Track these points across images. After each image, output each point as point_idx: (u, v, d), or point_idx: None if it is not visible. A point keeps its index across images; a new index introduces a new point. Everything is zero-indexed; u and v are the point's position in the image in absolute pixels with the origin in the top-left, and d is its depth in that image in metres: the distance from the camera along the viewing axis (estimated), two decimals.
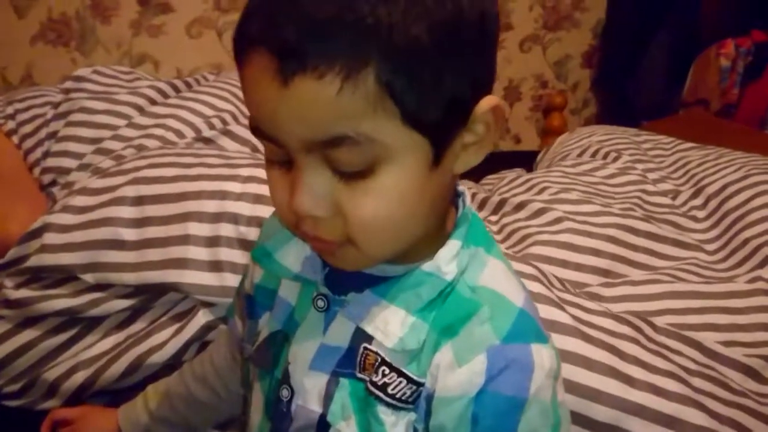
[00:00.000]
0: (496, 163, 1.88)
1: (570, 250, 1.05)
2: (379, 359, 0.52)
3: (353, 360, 0.53)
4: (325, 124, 0.44)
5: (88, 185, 0.96)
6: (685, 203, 1.24)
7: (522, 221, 1.14)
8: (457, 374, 0.50)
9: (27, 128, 1.15)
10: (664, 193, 1.25)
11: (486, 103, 0.48)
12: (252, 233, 0.89)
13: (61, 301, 0.90)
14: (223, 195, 0.92)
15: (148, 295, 0.91)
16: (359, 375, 0.53)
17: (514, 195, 1.25)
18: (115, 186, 0.94)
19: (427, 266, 0.52)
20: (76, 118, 1.12)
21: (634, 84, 2.34)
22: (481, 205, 1.26)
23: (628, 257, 1.07)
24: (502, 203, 1.22)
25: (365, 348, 0.53)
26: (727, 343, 0.91)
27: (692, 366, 0.84)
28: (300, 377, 0.55)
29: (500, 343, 0.50)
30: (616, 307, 0.95)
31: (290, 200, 0.47)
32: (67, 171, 1.07)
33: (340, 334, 0.55)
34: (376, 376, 0.52)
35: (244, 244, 0.89)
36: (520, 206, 1.17)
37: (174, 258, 0.89)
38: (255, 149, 1.14)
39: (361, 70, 0.42)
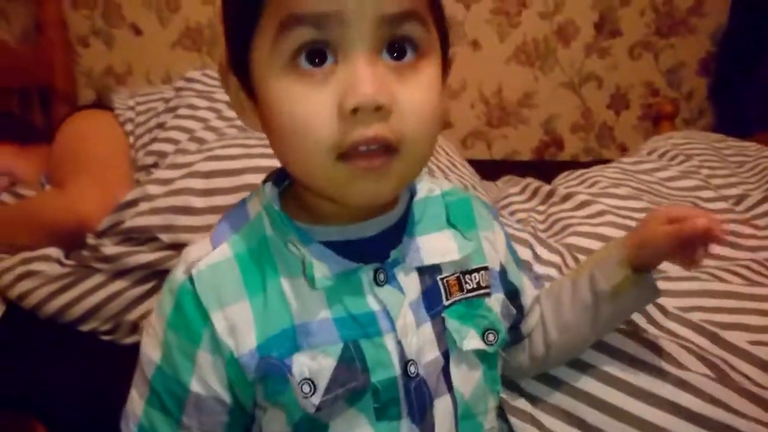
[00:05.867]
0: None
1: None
2: (458, 274, 0.63)
3: (437, 296, 0.61)
4: None
5: (173, 161, 1.14)
6: (748, 209, 1.21)
7: (566, 212, 1.17)
8: (499, 239, 0.71)
9: (141, 118, 1.35)
10: (724, 198, 1.22)
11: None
12: None
13: (144, 255, 1.07)
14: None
15: None
16: (447, 302, 0.61)
17: (565, 187, 1.28)
18: (192, 162, 1.11)
19: (419, 195, 0.65)
20: (182, 113, 1.31)
21: (751, 92, 2.24)
22: (533, 195, 1.31)
23: None
24: (551, 193, 1.26)
25: (442, 279, 0.62)
26: (755, 343, 0.88)
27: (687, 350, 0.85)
28: (415, 342, 0.59)
29: (488, 211, 0.72)
30: None
31: (349, 95, 0.48)
32: (166, 155, 1.24)
33: (412, 286, 0.60)
34: (468, 285, 0.63)
35: None
36: (566, 197, 1.21)
37: None
38: None
39: None
